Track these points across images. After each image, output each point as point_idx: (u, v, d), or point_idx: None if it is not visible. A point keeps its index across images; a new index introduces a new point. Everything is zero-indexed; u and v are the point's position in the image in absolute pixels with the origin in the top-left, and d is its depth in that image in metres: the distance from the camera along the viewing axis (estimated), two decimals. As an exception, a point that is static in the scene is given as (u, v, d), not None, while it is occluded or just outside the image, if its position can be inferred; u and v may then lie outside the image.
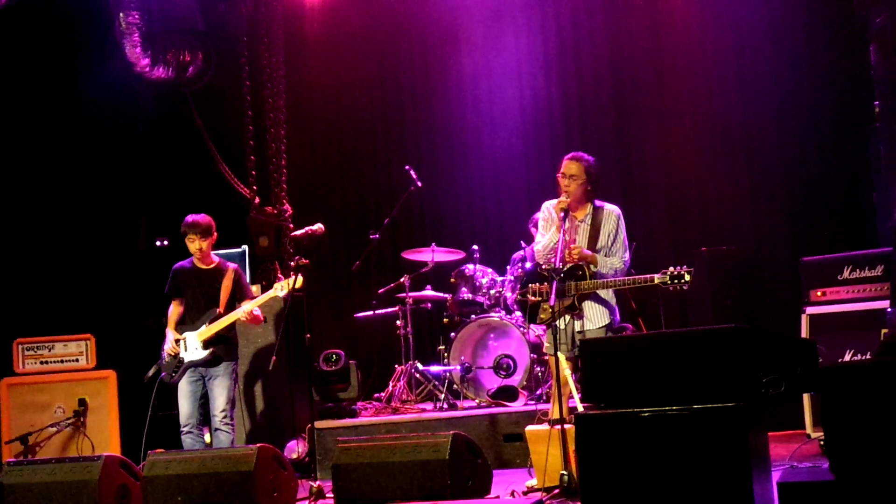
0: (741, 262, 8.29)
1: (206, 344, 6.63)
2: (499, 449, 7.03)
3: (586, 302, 5.97)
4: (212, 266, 6.83)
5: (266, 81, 9.02)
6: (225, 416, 6.62)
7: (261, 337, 7.84)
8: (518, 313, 7.73)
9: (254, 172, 8.91)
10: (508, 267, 8.04)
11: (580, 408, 5.43)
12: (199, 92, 9.34)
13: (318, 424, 7.24)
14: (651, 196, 8.94)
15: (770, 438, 4.71)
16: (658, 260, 7.82)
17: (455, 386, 7.79)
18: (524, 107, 9.39)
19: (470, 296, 8.01)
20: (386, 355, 8.72)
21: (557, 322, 5.73)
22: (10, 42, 8.51)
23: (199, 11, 9.29)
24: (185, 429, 6.67)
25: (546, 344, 6.19)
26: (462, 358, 7.84)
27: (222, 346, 6.68)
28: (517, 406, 7.36)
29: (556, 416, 5.62)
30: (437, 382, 7.93)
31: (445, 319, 8.23)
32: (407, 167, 8.53)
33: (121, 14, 8.48)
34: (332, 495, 5.78)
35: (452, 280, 8.14)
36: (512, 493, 5.68)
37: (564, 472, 5.35)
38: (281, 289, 6.66)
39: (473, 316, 7.90)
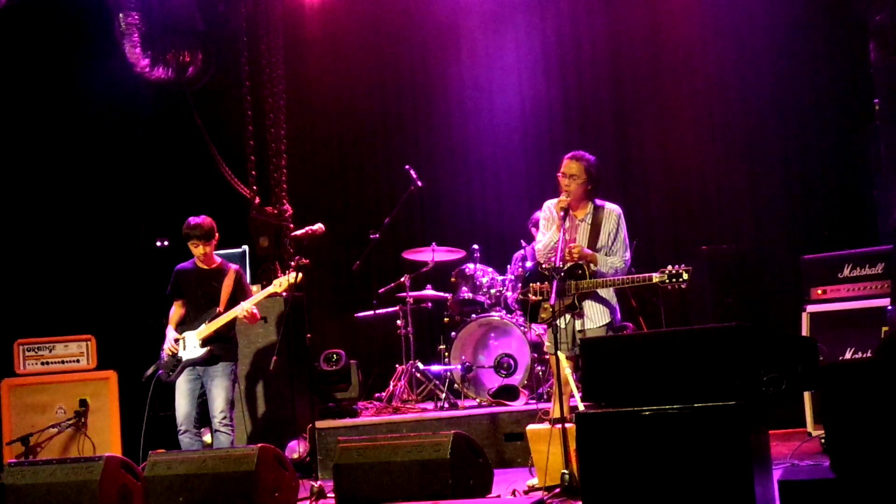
0: (741, 261, 8.29)
1: (205, 342, 6.64)
2: (500, 448, 7.03)
3: (587, 301, 5.97)
4: (214, 267, 6.84)
5: (266, 81, 9.03)
6: (224, 418, 6.62)
7: (262, 337, 7.84)
8: (519, 312, 7.74)
9: (254, 172, 8.92)
10: (509, 266, 8.04)
11: (581, 407, 5.44)
12: (199, 92, 9.34)
13: (319, 424, 7.25)
14: (651, 195, 8.94)
15: (771, 437, 4.72)
16: (658, 258, 7.84)
17: (456, 385, 7.80)
18: (524, 106, 9.39)
19: (470, 295, 8.01)
20: (386, 355, 8.72)
21: (558, 321, 5.73)
22: (10, 43, 8.50)
23: (198, 12, 9.29)
24: (182, 428, 6.66)
25: (547, 343, 6.19)
26: (463, 357, 7.84)
27: (221, 346, 6.68)
28: (518, 405, 7.36)
29: (556, 415, 5.62)
30: (437, 382, 7.93)
31: (446, 319, 8.23)
32: (407, 167, 8.53)
33: (120, 14, 8.49)
34: (333, 495, 5.78)
35: (453, 279, 8.15)
36: (513, 493, 5.68)
37: (565, 471, 5.35)
38: (279, 285, 6.67)
39: (474, 315, 7.90)
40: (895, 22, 6.76)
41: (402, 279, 8.22)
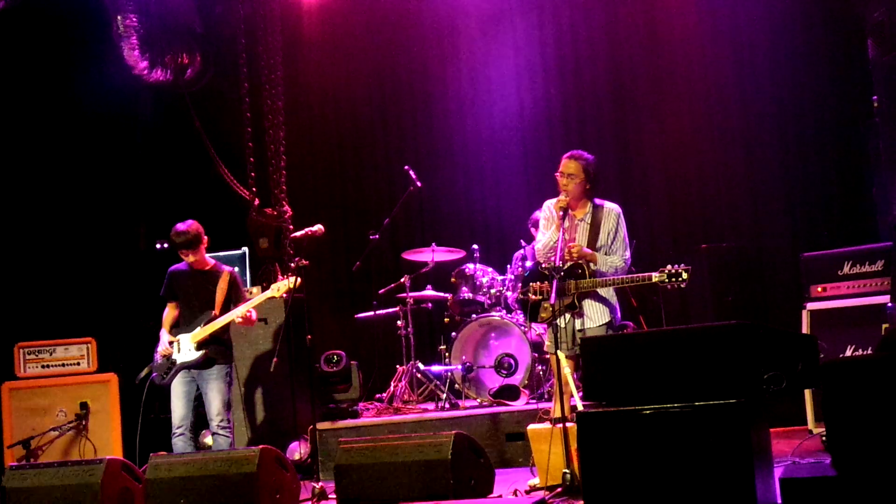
0: (741, 259, 8.29)
1: (200, 345, 6.61)
2: (501, 448, 7.03)
3: (586, 300, 5.97)
4: (208, 269, 6.81)
5: (265, 83, 9.02)
6: (222, 420, 6.59)
7: (262, 339, 7.84)
8: (519, 312, 7.74)
9: (253, 174, 8.91)
10: (509, 266, 8.04)
11: (581, 406, 5.44)
12: (197, 94, 9.33)
13: (320, 425, 7.25)
14: (651, 193, 8.94)
15: (772, 434, 4.72)
16: (659, 257, 7.84)
17: (456, 385, 7.80)
18: (523, 106, 9.39)
19: (470, 295, 8.01)
20: (387, 355, 8.72)
21: (558, 320, 5.73)
22: (9, 45, 8.50)
23: (196, 13, 9.29)
24: (178, 431, 6.62)
25: (547, 343, 6.19)
26: (463, 357, 7.84)
27: (216, 348, 6.65)
28: (519, 405, 7.36)
29: (557, 414, 5.61)
30: (438, 382, 7.93)
31: (446, 319, 8.23)
32: (406, 167, 8.53)
33: (119, 17, 8.48)
34: (334, 496, 5.78)
35: (453, 280, 8.15)
36: (515, 493, 5.68)
37: (567, 471, 5.35)
38: (277, 290, 6.66)
39: (474, 315, 7.90)
40: (893, 19, 6.76)
41: (402, 280, 8.23)
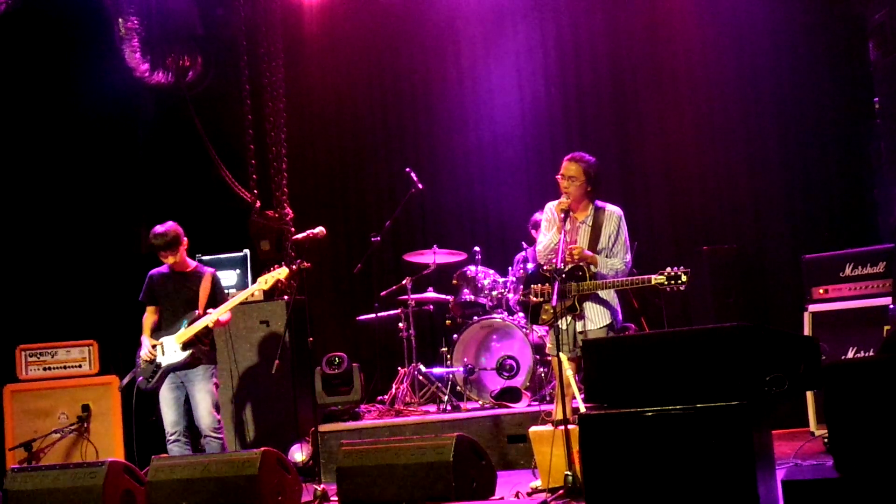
0: (743, 261, 8.29)
1: (186, 346, 6.56)
2: (503, 450, 7.02)
3: (587, 303, 5.96)
4: (189, 270, 6.77)
5: (266, 85, 9.03)
6: (213, 422, 6.57)
7: (264, 341, 7.85)
8: (520, 314, 7.74)
9: (254, 176, 8.92)
10: (510, 268, 8.04)
11: (583, 408, 5.43)
12: (199, 96, 9.33)
13: (322, 427, 7.24)
14: (652, 195, 8.94)
15: (774, 436, 4.72)
16: (660, 259, 7.82)
17: (458, 387, 7.79)
18: (524, 108, 9.39)
19: (472, 297, 8.01)
20: (389, 358, 8.71)
21: (559, 322, 5.72)
22: (10, 48, 8.51)
23: (198, 16, 9.29)
24: (172, 437, 6.60)
25: (549, 345, 6.19)
26: (465, 359, 7.84)
27: (200, 348, 6.60)
28: (520, 407, 7.35)
29: (559, 416, 5.61)
30: (440, 384, 7.93)
31: (448, 321, 8.22)
32: (408, 169, 8.53)
33: (120, 20, 8.48)
34: (336, 498, 5.78)
35: (454, 282, 8.15)
36: (516, 495, 5.68)
37: (568, 473, 5.34)
38: (265, 282, 6.65)
39: (476, 317, 7.90)
40: (894, 20, 6.76)
41: (404, 282, 8.22)
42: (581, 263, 5.90)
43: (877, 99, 7.13)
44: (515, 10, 9.40)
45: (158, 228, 6.63)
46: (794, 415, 6.83)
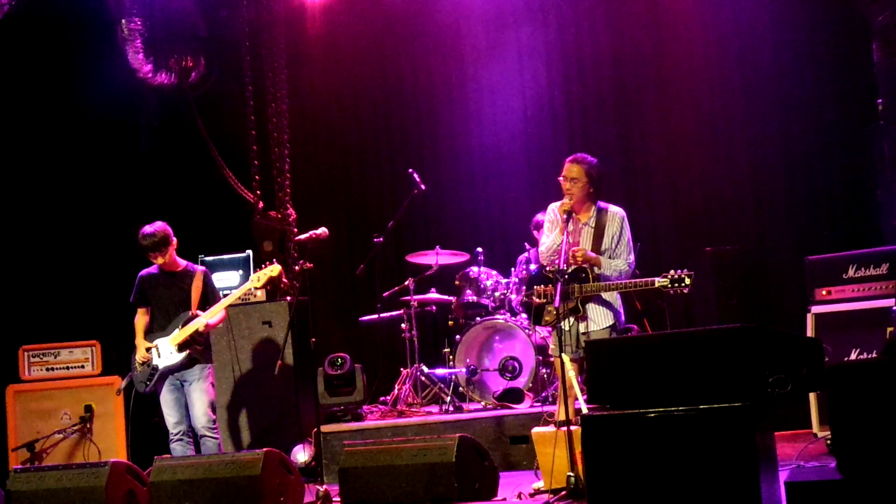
0: (746, 262, 8.28)
1: (181, 347, 6.53)
2: (505, 451, 7.02)
3: (590, 304, 5.96)
4: (179, 270, 6.72)
5: (269, 86, 9.04)
6: (208, 422, 6.55)
7: (266, 342, 7.85)
8: (523, 315, 7.74)
9: (257, 177, 8.92)
10: (513, 269, 8.04)
11: (585, 409, 5.43)
12: (202, 97, 9.34)
13: (325, 428, 7.24)
14: (655, 196, 8.94)
15: (777, 438, 4.72)
16: (662, 260, 7.82)
17: (461, 388, 7.79)
18: (527, 108, 9.39)
19: (474, 298, 8.00)
20: (391, 358, 8.71)
21: (562, 323, 5.72)
22: (14, 49, 8.52)
23: (201, 17, 9.30)
24: (175, 436, 6.58)
25: (551, 346, 6.19)
26: (467, 360, 7.83)
27: (196, 348, 6.58)
28: (523, 408, 7.35)
29: (562, 417, 5.61)
30: (442, 385, 7.93)
31: (450, 322, 8.22)
32: (410, 170, 8.52)
33: (123, 20, 8.50)
34: (338, 499, 5.78)
35: (457, 283, 8.15)
36: (519, 496, 5.68)
37: (571, 474, 5.35)
38: (258, 279, 6.64)
39: (478, 318, 7.89)
40: (898, 22, 6.76)
41: (407, 283, 8.23)
42: (584, 265, 5.90)
43: (880, 100, 7.13)
44: (518, 12, 9.40)
45: (147, 229, 6.56)
46: (797, 416, 6.81)
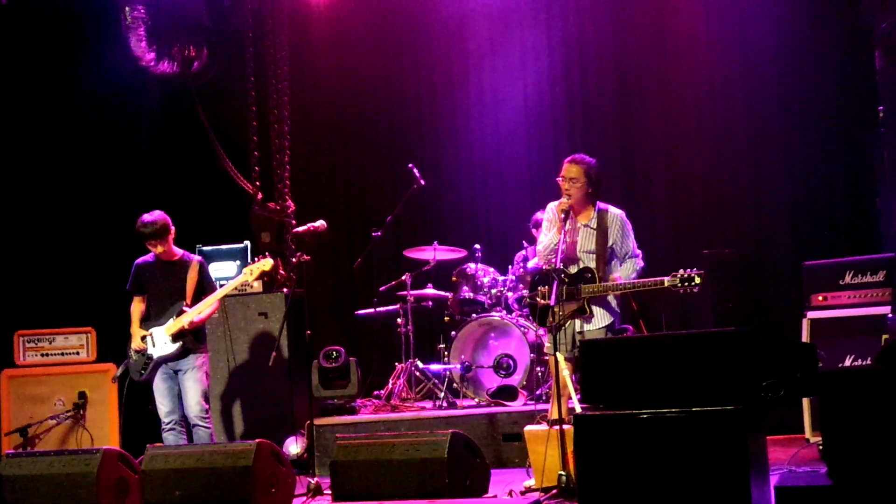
0: (743, 266, 8.29)
1: (175, 337, 6.54)
2: (497, 448, 7.03)
3: (591, 304, 5.96)
4: (176, 259, 6.73)
5: (270, 77, 9.02)
6: (201, 410, 6.56)
7: (261, 333, 7.85)
8: (518, 312, 7.74)
9: (257, 168, 8.91)
10: (510, 266, 8.04)
11: (578, 409, 5.43)
12: (203, 87, 9.32)
13: (318, 421, 7.25)
14: (654, 198, 8.93)
15: (769, 442, 4.71)
16: (660, 262, 7.81)
17: (455, 385, 7.80)
18: (528, 106, 9.39)
19: (471, 295, 8.01)
20: (386, 353, 8.72)
21: (551, 321, 5.71)
22: (15, 36, 8.51)
23: (204, 6, 9.28)
24: (168, 425, 6.60)
25: (547, 344, 6.19)
26: (462, 357, 7.84)
27: (191, 338, 6.58)
28: (516, 406, 7.36)
29: (555, 416, 5.62)
30: (436, 381, 7.93)
31: (446, 318, 8.23)
32: (410, 165, 8.53)
33: (126, 8, 8.49)
34: (329, 492, 5.78)
35: (454, 279, 8.15)
36: (510, 493, 5.68)
37: (562, 473, 5.35)
38: (251, 272, 6.64)
39: (474, 315, 7.90)
40: (901, 29, 6.76)
41: (403, 277, 8.23)
42: (591, 266, 5.90)
43: (881, 108, 7.12)
44: (522, 11, 9.40)
45: (146, 217, 6.58)
46: (789, 421, 6.82)
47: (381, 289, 8.49)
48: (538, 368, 7.57)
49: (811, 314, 6.66)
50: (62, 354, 7.89)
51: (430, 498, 5.32)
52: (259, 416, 7.73)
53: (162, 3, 8.72)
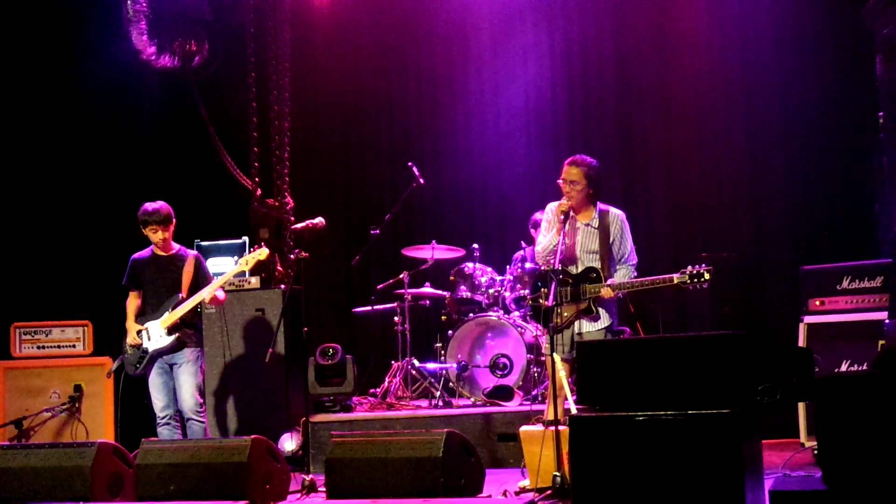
0: (741, 269, 8.29)
1: (171, 330, 6.55)
2: (492, 448, 7.03)
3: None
4: (172, 253, 6.74)
5: (271, 73, 9.02)
6: (195, 405, 6.57)
7: (258, 329, 7.83)
8: (516, 313, 7.74)
9: (256, 164, 8.91)
10: (508, 266, 8.04)
11: (574, 410, 5.43)
12: (204, 82, 9.31)
13: (313, 418, 7.25)
14: (653, 200, 8.94)
15: (764, 446, 4.72)
16: (658, 263, 7.82)
17: (451, 384, 7.79)
18: (528, 107, 9.39)
19: (468, 294, 8.00)
20: (383, 351, 8.72)
21: (556, 323, 5.71)
22: (15, 27, 8.50)
23: (206, 1, 9.28)
24: (163, 420, 6.61)
25: (545, 345, 6.19)
26: (459, 356, 7.83)
27: (186, 332, 6.60)
28: (512, 406, 7.35)
29: (550, 417, 5.62)
30: (433, 380, 7.93)
31: (443, 317, 8.22)
32: (410, 164, 8.53)
33: (128, 1, 8.48)
34: (324, 489, 5.78)
35: (451, 278, 8.15)
36: (504, 493, 5.68)
37: (557, 474, 5.35)
38: (246, 262, 6.65)
39: (471, 314, 7.89)
40: (903, 36, 6.75)
41: (401, 276, 8.22)
42: (595, 266, 5.91)
43: (881, 113, 7.12)
44: (524, 12, 9.40)
45: (151, 205, 6.61)
46: (784, 425, 6.82)
47: (378, 287, 8.49)
48: (534, 369, 7.56)
49: (808, 318, 6.65)
50: (58, 347, 7.89)
51: (425, 497, 5.31)
52: (254, 412, 7.72)
53: (164, -3, 8.72)
